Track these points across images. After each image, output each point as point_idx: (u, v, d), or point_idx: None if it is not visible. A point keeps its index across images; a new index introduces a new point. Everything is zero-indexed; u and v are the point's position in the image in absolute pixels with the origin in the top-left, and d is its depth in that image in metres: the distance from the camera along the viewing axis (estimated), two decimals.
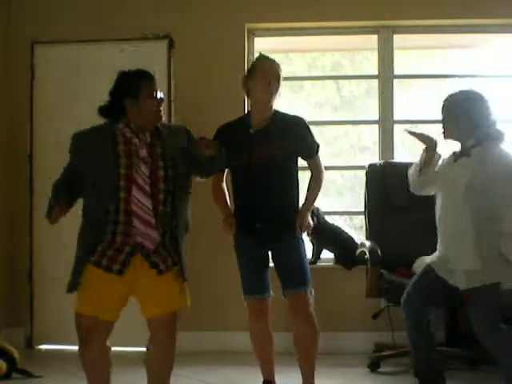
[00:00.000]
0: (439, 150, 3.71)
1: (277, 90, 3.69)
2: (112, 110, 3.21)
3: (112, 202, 3.10)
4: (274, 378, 3.93)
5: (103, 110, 3.24)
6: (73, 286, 3.15)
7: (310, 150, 3.79)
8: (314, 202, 3.81)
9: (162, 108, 3.26)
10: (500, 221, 3.33)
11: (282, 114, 3.79)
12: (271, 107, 3.73)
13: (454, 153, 3.58)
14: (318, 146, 3.82)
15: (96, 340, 3.14)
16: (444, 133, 3.58)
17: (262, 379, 3.94)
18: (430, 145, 3.67)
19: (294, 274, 3.68)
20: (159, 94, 3.24)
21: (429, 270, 3.60)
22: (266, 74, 3.66)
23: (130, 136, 3.17)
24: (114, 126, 3.20)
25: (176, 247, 3.24)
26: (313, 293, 3.72)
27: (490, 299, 3.36)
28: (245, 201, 3.75)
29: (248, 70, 3.83)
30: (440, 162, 3.67)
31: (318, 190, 3.80)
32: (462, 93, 3.56)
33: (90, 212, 3.18)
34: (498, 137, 3.46)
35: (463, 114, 3.45)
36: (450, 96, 3.58)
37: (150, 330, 3.26)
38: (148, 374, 3.33)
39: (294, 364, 3.78)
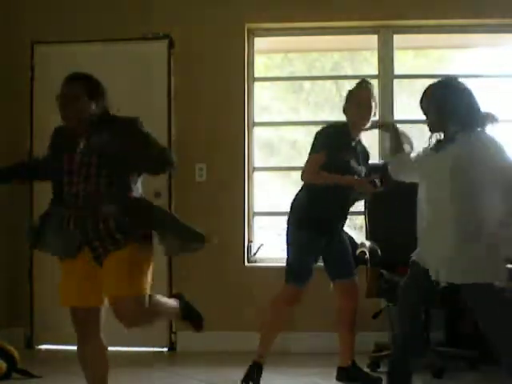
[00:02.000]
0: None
1: (372, 112, 4.10)
2: None
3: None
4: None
5: None
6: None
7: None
8: None
9: (64, 105, 3.23)
10: (494, 208, 3.25)
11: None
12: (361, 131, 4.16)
13: (437, 142, 3.48)
14: None
15: (90, 332, 3.15)
16: (429, 127, 3.50)
17: (262, 378, 4.02)
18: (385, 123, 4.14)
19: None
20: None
21: (413, 264, 3.51)
22: (362, 103, 4.06)
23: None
24: None
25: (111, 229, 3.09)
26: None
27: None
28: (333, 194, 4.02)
29: (348, 95, 4.16)
30: (420, 152, 3.57)
31: None
32: (435, 84, 3.48)
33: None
34: (482, 122, 3.38)
35: (439, 102, 3.38)
36: (425, 89, 3.51)
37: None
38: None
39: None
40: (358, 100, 4.06)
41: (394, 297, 4.23)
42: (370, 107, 4.05)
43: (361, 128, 4.10)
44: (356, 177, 4.03)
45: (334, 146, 3.99)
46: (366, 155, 4.27)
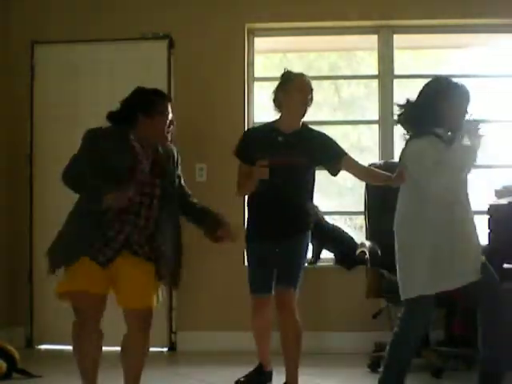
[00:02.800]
0: None
1: (310, 103, 3.87)
2: (123, 118, 3.30)
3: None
4: (268, 363, 4.08)
5: (113, 117, 3.32)
6: (58, 265, 3.23)
7: (339, 150, 3.90)
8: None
9: (170, 130, 3.34)
10: None
11: (309, 128, 3.94)
12: (301, 120, 3.90)
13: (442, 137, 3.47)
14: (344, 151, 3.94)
15: (94, 324, 3.21)
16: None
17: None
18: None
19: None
20: (170, 116, 3.33)
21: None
22: (303, 89, 3.82)
23: (138, 151, 3.26)
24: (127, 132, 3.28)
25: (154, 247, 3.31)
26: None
27: None
28: (261, 202, 3.84)
29: (281, 83, 3.89)
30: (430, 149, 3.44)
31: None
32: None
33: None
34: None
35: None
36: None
37: (126, 322, 3.29)
38: (123, 369, 3.33)
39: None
40: (297, 85, 3.81)
41: (393, 297, 4.25)
42: (309, 92, 3.84)
43: (298, 117, 3.86)
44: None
45: (247, 151, 3.86)
46: (312, 142, 3.87)
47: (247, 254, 4.01)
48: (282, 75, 3.91)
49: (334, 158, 3.87)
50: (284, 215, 3.78)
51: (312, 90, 3.85)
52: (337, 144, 3.93)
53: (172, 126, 3.34)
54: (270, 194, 3.78)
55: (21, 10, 5.32)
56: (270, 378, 4.09)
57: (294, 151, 3.78)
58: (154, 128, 3.28)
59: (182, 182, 3.49)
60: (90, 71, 5.27)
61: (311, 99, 3.85)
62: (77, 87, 5.26)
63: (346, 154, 3.90)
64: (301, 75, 3.88)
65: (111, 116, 3.32)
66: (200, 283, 5.12)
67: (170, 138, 3.37)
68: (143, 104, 3.28)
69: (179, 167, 3.47)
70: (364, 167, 4.01)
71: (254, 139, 3.92)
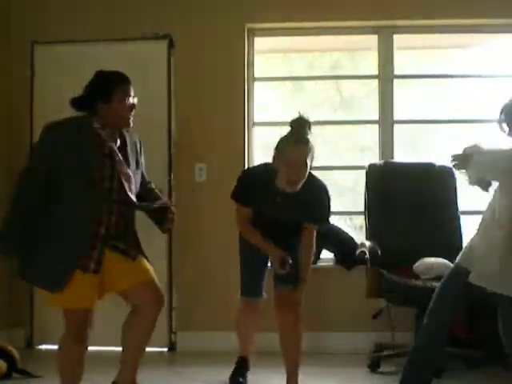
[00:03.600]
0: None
1: (305, 174, 3.54)
2: (84, 105, 3.24)
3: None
4: (248, 355, 4.15)
5: (75, 104, 3.26)
6: (61, 285, 3.07)
7: (321, 221, 3.80)
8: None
9: (132, 114, 3.24)
10: None
11: (310, 183, 3.63)
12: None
13: None
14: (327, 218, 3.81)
15: (87, 332, 3.17)
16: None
17: (261, 378, 4.09)
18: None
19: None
20: (131, 100, 3.23)
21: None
22: (291, 163, 3.49)
23: (105, 139, 3.18)
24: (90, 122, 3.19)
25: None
26: None
27: None
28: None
29: (276, 147, 3.61)
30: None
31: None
32: None
33: (72, 213, 3.11)
34: None
35: None
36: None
37: (131, 301, 3.24)
38: (125, 345, 3.29)
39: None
40: (286, 159, 3.49)
41: (393, 297, 4.26)
42: (301, 167, 3.50)
43: (290, 185, 3.55)
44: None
45: (247, 196, 3.69)
46: (304, 205, 3.65)
47: (241, 257, 3.98)
48: (279, 142, 3.59)
49: (310, 222, 3.74)
50: (279, 229, 3.72)
51: (307, 158, 3.48)
52: (324, 210, 3.74)
53: (133, 110, 3.22)
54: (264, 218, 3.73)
55: (21, 10, 5.32)
56: (248, 366, 4.17)
57: (287, 212, 3.66)
58: (114, 113, 3.17)
59: (144, 170, 3.38)
60: (90, 71, 5.22)
61: (306, 167, 3.50)
62: (77, 87, 5.22)
63: (320, 223, 3.78)
64: (295, 146, 3.49)
65: (74, 103, 3.25)
66: (200, 283, 5.12)
67: (131, 124, 3.24)
68: (101, 89, 3.20)
69: (142, 155, 3.36)
70: (308, 247, 3.79)
71: (253, 186, 3.70)
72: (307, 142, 3.52)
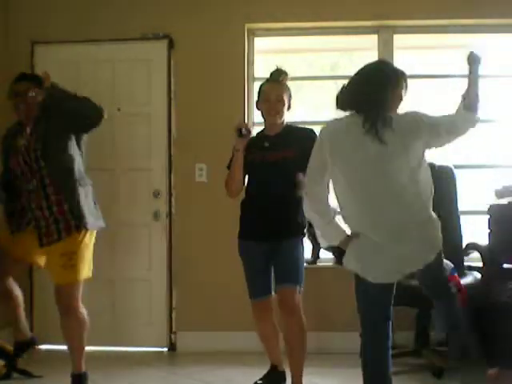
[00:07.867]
0: None
1: (282, 109, 3.91)
2: None
3: None
4: (280, 363, 4.06)
5: None
6: None
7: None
8: None
9: (22, 105, 3.58)
10: None
11: (292, 127, 4.00)
12: (281, 124, 3.95)
13: None
14: None
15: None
16: None
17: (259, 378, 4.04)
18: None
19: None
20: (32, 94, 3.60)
21: None
22: (268, 98, 3.91)
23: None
24: None
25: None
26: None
27: None
28: (251, 204, 3.89)
29: (258, 93, 4.03)
30: None
31: None
32: None
33: None
34: None
35: None
36: None
37: None
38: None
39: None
40: (264, 97, 3.95)
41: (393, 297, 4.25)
42: (278, 102, 3.89)
43: (274, 122, 3.93)
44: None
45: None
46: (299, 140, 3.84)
47: (242, 258, 3.98)
48: (259, 88, 4.03)
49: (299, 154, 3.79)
50: (274, 216, 3.78)
51: (283, 92, 3.90)
52: (312, 143, 3.74)
53: (23, 105, 3.59)
54: (259, 195, 3.83)
55: (20, 10, 5.32)
56: (284, 378, 4.08)
57: (280, 147, 3.86)
58: (16, 111, 3.61)
59: None
60: (90, 71, 5.27)
61: (282, 102, 3.89)
62: (77, 87, 5.22)
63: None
64: (269, 82, 3.97)
65: None
66: (200, 283, 5.12)
67: (24, 118, 3.58)
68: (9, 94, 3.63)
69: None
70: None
71: (245, 147, 3.94)
72: (280, 80, 3.94)
